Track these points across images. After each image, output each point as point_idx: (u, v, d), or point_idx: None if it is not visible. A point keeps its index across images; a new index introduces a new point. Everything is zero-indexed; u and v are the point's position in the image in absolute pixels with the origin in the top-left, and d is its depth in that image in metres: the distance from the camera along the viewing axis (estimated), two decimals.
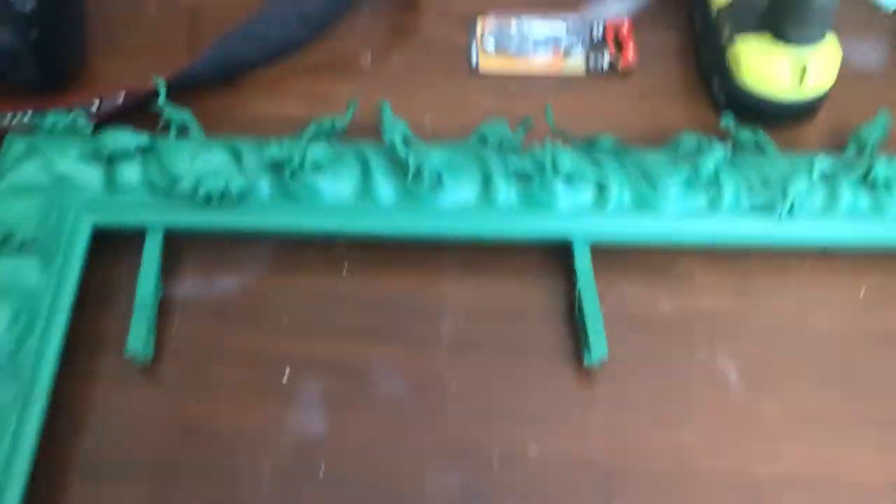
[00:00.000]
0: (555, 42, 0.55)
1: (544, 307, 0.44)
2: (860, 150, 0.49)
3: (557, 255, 0.45)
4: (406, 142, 0.44)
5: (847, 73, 0.51)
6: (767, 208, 0.44)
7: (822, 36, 0.48)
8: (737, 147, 0.47)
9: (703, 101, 0.53)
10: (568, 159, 0.42)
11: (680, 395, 0.42)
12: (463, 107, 0.51)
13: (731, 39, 0.50)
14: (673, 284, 0.45)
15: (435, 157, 0.42)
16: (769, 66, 0.48)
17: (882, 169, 0.44)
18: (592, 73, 0.54)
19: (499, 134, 0.46)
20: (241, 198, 0.42)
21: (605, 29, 0.56)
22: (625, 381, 0.42)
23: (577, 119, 0.49)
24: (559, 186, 0.43)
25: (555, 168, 0.43)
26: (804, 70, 0.48)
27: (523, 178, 0.43)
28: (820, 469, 0.40)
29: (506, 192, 0.43)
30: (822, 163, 0.44)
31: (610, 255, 0.45)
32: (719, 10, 0.52)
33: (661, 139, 0.48)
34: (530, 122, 0.47)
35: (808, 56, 0.48)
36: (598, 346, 0.40)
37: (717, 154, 0.44)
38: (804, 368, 0.43)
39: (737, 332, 0.44)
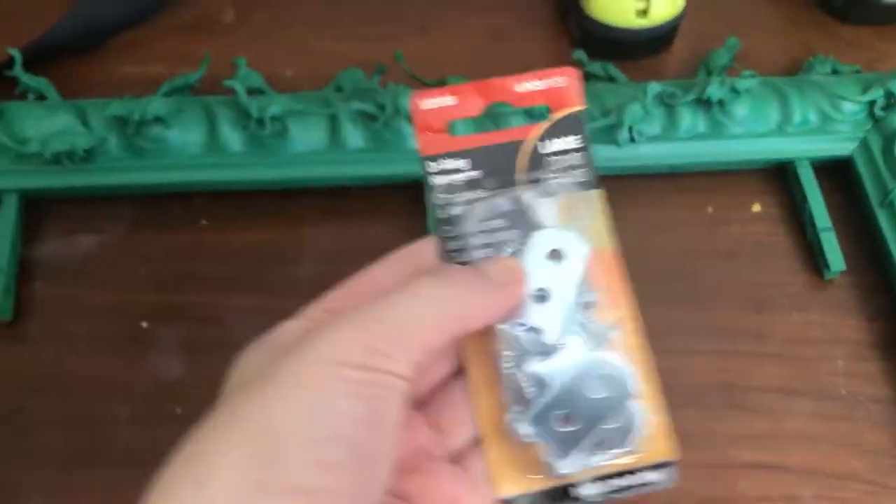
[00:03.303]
0: None
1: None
2: (709, 75, 0.50)
3: (411, 194, 0.46)
4: (259, 92, 0.45)
5: (703, 2, 0.53)
6: (609, 134, 0.45)
7: None
8: (589, 79, 0.49)
9: (563, 39, 0.54)
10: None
11: None
12: (326, 59, 0.52)
13: None
14: None
15: (277, 105, 0.43)
16: None
17: (715, 90, 0.45)
18: None
19: (354, 81, 0.47)
20: (90, 156, 0.43)
21: None
22: None
23: (435, 63, 0.50)
24: (404, 127, 0.44)
25: (397, 109, 0.44)
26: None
27: (370, 120, 0.45)
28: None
29: (353, 135, 0.44)
30: (655, 88, 0.45)
31: None
32: None
33: None
34: (384, 68, 0.48)
35: None
36: None
37: None
38: (651, 287, 0.45)
39: None
